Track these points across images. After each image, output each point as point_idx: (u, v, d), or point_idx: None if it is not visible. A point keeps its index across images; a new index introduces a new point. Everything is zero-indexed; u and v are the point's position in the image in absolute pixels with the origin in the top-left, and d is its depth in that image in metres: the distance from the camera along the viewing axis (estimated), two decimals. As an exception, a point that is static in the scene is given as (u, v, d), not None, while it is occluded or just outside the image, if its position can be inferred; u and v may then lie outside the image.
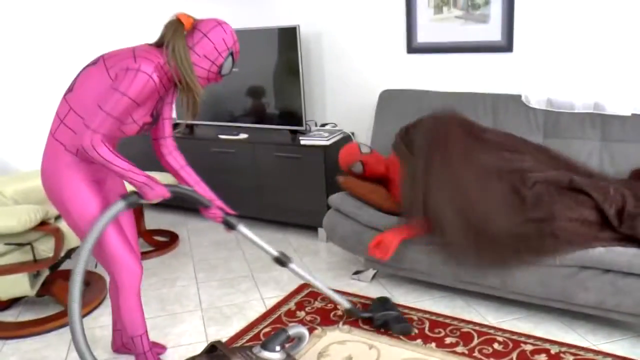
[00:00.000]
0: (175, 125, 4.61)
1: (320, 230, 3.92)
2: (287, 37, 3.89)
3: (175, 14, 2.13)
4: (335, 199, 3.25)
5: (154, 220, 4.58)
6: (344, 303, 2.77)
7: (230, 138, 4.17)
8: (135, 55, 2.03)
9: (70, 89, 2.14)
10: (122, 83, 1.99)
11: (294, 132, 4.05)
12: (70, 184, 2.15)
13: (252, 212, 4.19)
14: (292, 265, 2.55)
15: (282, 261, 2.53)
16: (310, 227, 4.05)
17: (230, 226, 2.44)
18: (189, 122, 2.36)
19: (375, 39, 3.91)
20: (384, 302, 2.85)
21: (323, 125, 4.17)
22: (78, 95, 2.10)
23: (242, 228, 2.46)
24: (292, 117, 4.01)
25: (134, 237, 2.48)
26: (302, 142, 3.83)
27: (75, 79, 2.14)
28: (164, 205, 4.65)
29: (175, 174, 2.43)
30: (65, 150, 2.14)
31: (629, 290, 2.41)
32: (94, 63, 2.11)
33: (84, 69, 2.15)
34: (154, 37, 2.35)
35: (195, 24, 2.12)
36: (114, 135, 2.10)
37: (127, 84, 1.99)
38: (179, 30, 2.09)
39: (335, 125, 4.15)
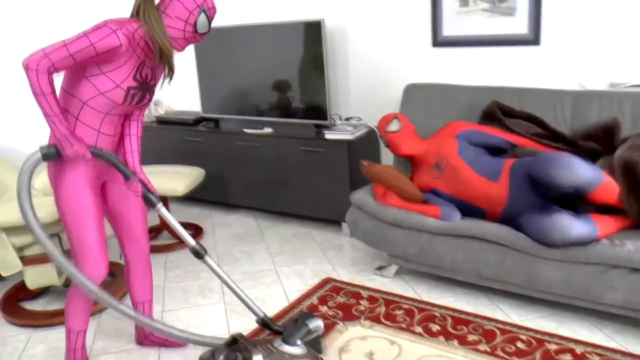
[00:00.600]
0: (202, 120, 4.65)
1: (344, 224, 3.91)
2: (312, 31, 3.88)
3: None
4: (356, 196, 3.23)
5: (179, 212, 4.62)
6: (258, 312, 2.57)
7: (255, 132, 4.18)
8: (106, 21, 2.05)
9: None
10: (89, 30, 2.00)
11: (319, 126, 4.05)
12: (70, 170, 2.18)
13: (276, 206, 4.20)
14: (207, 259, 2.44)
15: (198, 253, 2.42)
16: (334, 221, 4.05)
17: (149, 203, 2.32)
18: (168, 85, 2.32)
19: (400, 33, 3.88)
20: (303, 318, 2.45)
21: (348, 119, 4.16)
22: (67, 75, 2.15)
23: (162, 208, 2.35)
24: (317, 111, 4.00)
25: (142, 223, 2.51)
26: (327, 136, 3.82)
27: None
28: (189, 198, 4.68)
29: (122, 137, 2.39)
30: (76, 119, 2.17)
31: (658, 290, 2.37)
32: None
33: None
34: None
35: None
36: (100, 102, 2.12)
37: (90, 30, 1.99)
38: None
39: (360, 119, 4.13)
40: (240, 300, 2.54)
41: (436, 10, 3.69)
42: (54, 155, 2.10)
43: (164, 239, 4.05)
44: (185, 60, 4.90)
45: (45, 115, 2.02)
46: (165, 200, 4.02)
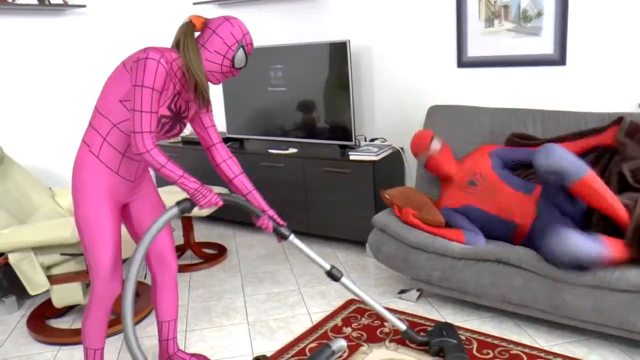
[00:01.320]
0: (227, 140, 4.69)
1: (368, 245, 3.89)
2: (338, 52, 3.91)
3: (188, 16, 2.21)
4: (379, 219, 3.22)
5: (203, 232, 4.65)
6: (400, 325, 2.66)
7: (280, 152, 4.21)
8: (146, 49, 2.10)
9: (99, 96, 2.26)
10: (137, 75, 2.06)
11: (343, 147, 4.05)
12: (91, 188, 2.21)
13: (300, 227, 4.20)
14: (344, 280, 2.53)
15: (333, 275, 2.50)
16: (358, 242, 4.03)
17: (281, 236, 2.41)
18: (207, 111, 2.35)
19: (425, 53, 3.88)
20: (444, 328, 2.71)
21: (372, 140, 4.16)
22: (102, 97, 2.20)
23: (294, 239, 2.43)
24: (342, 131, 4.01)
25: (170, 243, 2.54)
26: (352, 157, 3.83)
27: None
28: (213, 218, 4.71)
29: (229, 182, 2.45)
30: (89, 151, 2.21)
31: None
32: (116, 68, 2.22)
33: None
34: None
35: (206, 23, 2.21)
36: (129, 127, 2.17)
37: (141, 74, 2.05)
38: (189, 29, 2.17)
39: (385, 140, 4.13)
40: (383, 317, 2.64)
41: (461, 31, 3.69)
42: (190, 209, 2.21)
43: (188, 258, 4.08)
44: (211, 81, 4.96)
45: (174, 181, 2.15)
46: (189, 220, 4.05)
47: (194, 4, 4.79)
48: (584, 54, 3.34)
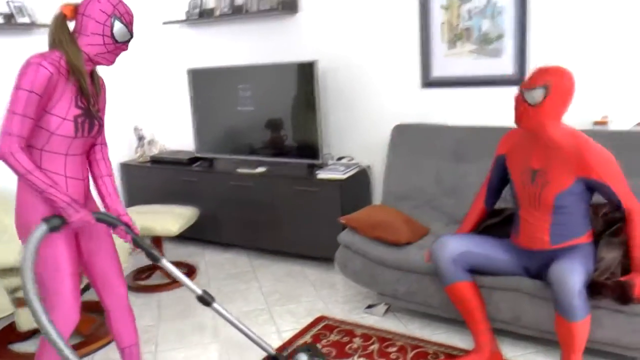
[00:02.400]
0: (196, 160, 4.70)
1: (335, 263, 3.93)
2: (306, 72, 3.98)
3: (59, 7, 2.14)
4: (344, 236, 3.28)
5: (173, 252, 4.64)
6: (268, 350, 2.52)
7: (249, 172, 4.24)
8: (28, 57, 2.04)
9: None
10: (18, 80, 2.00)
11: (311, 166, 4.11)
12: (32, 228, 2.11)
13: (269, 245, 4.23)
14: (215, 305, 2.38)
15: (205, 300, 2.36)
16: (327, 259, 4.08)
17: (153, 259, 2.26)
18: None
19: (391, 74, 3.98)
20: (309, 348, 2.59)
21: (340, 158, 4.22)
22: None
23: (166, 263, 2.30)
24: (310, 150, 4.07)
25: (116, 269, 2.41)
26: (319, 176, 3.88)
27: None
28: (182, 237, 4.71)
29: (94, 181, 2.35)
30: (26, 187, 2.14)
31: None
32: None
33: None
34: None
35: (77, 9, 2.14)
36: (55, 143, 2.10)
37: (20, 78, 1.99)
38: (59, 22, 2.12)
39: (352, 159, 4.20)
40: (251, 341, 2.49)
41: (426, 52, 3.80)
42: (59, 226, 2.04)
43: (158, 278, 4.06)
44: (180, 100, 4.98)
45: (41, 191, 2.02)
46: (159, 240, 4.05)
47: (164, 23, 4.82)
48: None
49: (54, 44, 2.12)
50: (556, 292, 2.33)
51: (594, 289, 2.38)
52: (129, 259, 4.37)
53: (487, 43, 3.59)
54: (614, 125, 3.24)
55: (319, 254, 4.01)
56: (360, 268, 3.17)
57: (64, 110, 2.09)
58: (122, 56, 5.03)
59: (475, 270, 2.71)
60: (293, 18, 4.29)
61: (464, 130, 3.50)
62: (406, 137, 3.65)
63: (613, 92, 3.27)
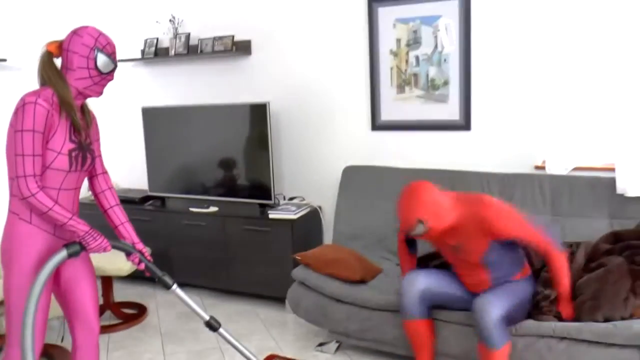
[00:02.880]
0: (148, 198, 4.70)
1: (287, 301, 3.97)
2: (258, 113, 4.06)
3: (44, 45, 2.21)
4: (298, 272, 3.34)
5: (123, 292, 4.58)
6: None
7: (201, 211, 4.26)
8: (22, 97, 2.10)
9: None
10: (16, 122, 2.06)
11: (263, 206, 4.17)
12: (22, 259, 2.15)
13: (221, 284, 4.24)
14: (222, 330, 2.43)
15: (212, 325, 2.41)
16: (278, 298, 4.10)
17: (165, 285, 2.32)
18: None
19: (341, 116, 4.10)
20: None
21: (291, 198, 4.30)
22: (9, 164, 2.15)
23: (177, 289, 2.34)
24: (262, 190, 4.13)
25: (94, 304, 2.40)
26: (271, 216, 3.94)
27: None
28: (133, 277, 4.66)
29: (104, 212, 2.40)
30: (20, 219, 2.16)
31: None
32: (7, 132, 2.16)
33: None
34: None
35: (61, 45, 2.20)
36: (49, 177, 2.13)
37: (19, 120, 2.05)
38: (45, 59, 2.18)
39: (303, 199, 4.27)
40: None
41: (375, 96, 3.94)
42: (79, 253, 2.12)
43: (107, 319, 4.01)
44: (133, 138, 4.99)
45: (63, 224, 2.10)
46: (109, 279, 4.01)
47: (119, 61, 4.85)
48: (486, 120, 3.65)
49: (44, 81, 2.18)
50: (477, 322, 2.55)
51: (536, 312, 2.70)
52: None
53: (434, 89, 3.76)
54: (552, 170, 3.42)
55: (271, 293, 4.03)
56: (312, 306, 3.22)
57: (59, 144, 2.13)
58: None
59: (435, 306, 2.85)
60: (247, 60, 4.39)
61: (413, 172, 3.63)
62: (356, 178, 3.76)
63: (551, 138, 3.45)
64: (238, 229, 4.07)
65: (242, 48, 4.32)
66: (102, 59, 2.18)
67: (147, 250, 2.39)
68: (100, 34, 2.20)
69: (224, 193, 4.34)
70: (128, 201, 4.70)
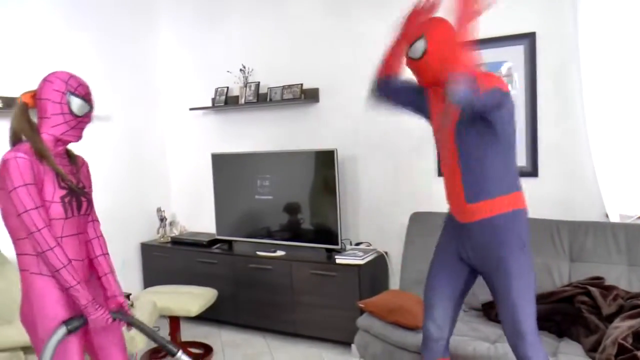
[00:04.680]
0: (216, 242, 4.82)
1: (353, 346, 3.96)
2: (326, 159, 4.16)
3: (19, 96, 2.18)
4: (362, 320, 3.36)
5: (189, 331, 4.66)
6: None
7: (268, 255, 4.35)
8: (3, 156, 2.07)
9: None
10: (6, 183, 2.02)
11: (330, 250, 4.22)
12: (46, 322, 2.09)
13: (286, 327, 4.28)
14: None
15: None
16: (343, 342, 4.11)
17: (169, 353, 2.26)
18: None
19: (407, 163, 4.15)
20: None
21: (358, 244, 4.33)
22: (6, 224, 2.13)
23: (182, 355, 2.28)
24: (328, 235, 4.19)
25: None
26: (338, 261, 3.99)
27: None
28: (199, 317, 4.75)
29: (90, 261, 2.32)
30: (32, 274, 2.11)
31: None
32: None
33: None
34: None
35: (35, 94, 2.16)
36: (52, 227, 2.09)
37: (8, 179, 2.01)
38: (19, 110, 2.15)
39: (370, 245, 4.30)
40: None
41: (440, 144, 3.97)
42: (79, 326, 2.09)
43: (175, 358, 4.08)
44: (202, 183, 5.15)
45: (69, 287, 2.06)
46: (177, 319, 4.10)
47: (190, 109, 5.08)
48: (554, 166, 3.63)
49: (15, 136, 2.14)
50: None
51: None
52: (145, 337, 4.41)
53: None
54: (621, 217, 3.35)
55: (336, 337, 4.05)
56: (380, 352, 3.22)
57: (50, 193, 2.09)
58: (147, 139, 5.24)
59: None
60: (314, 107, 4.52)
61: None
62: (423, 224, 3.78)
63: (620, 184, 3.39)
64: (305, 273, 4.12)
65: (310, 95, 4.45)
66: (76, 102, 2.12)
67: (126, 304, 2.32)
68: (71, 76, 2.14)
69: (290, 237, 4.42)
70: (196, 244, 4.84)
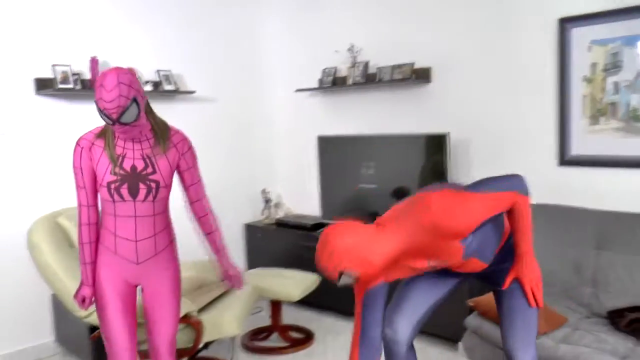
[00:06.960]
0: (320, 225, 4.73)
1: (460, 345, 3.74)
2: (436, 143, 3.95)
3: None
4: (471, 320, 3.12)
5: (290, 315, 4.63)
6: None
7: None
8: None
9: None
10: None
11: (437, 239, 3.99)
12: (97, 274, 2.39)
13: (389, 318, 4.12)
14: None
15: None
16: (449, 339, 3.89)
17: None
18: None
19: (524, 149, 3.82)
20: None
21: (467, 233, 4.07)
22: None
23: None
24: (436, 223, 3.96)
25: (169, 341, 2.48)
26: (445, 251, 3.75)
27: None
28: (302, 301, 4.70)
29: (206, 237, 2.55)
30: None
31: None
32: None
33: None
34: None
35: None
36: (102, 203, 2.34)
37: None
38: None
39: (480, 235, 4.03)
40: None
41: (564, 128, 3.61)
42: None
43: (274, 341, 4.06)
44: (308, 165, 5.08)
45: (83, 262, 2.37)
46: (279, 304, 4.06)
47: (296, 90, 4.99)
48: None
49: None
50: None
51: None
52: (247, 319, 4.42)
53: (636, 120, 3.35)
54: None
55: (442, 333, 3.84)
56: (489, 355, 2.98)
57: (100, 177, 2.29)
58: (253, 120, 5.22)
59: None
60: (426, 88, 4.27)
61: (608, 215, 3.24)
62: (539, 217, 3.45)
63: None
64: (409, 263, 3.93)
65: (421, 76, 4.21)
66: (99, 113, 2.14)
67: (237, 277, 2.63)
68: (98, 86, 2.09)
69: (396, 224, 4.24)
70: (300, 227, 4.77)
